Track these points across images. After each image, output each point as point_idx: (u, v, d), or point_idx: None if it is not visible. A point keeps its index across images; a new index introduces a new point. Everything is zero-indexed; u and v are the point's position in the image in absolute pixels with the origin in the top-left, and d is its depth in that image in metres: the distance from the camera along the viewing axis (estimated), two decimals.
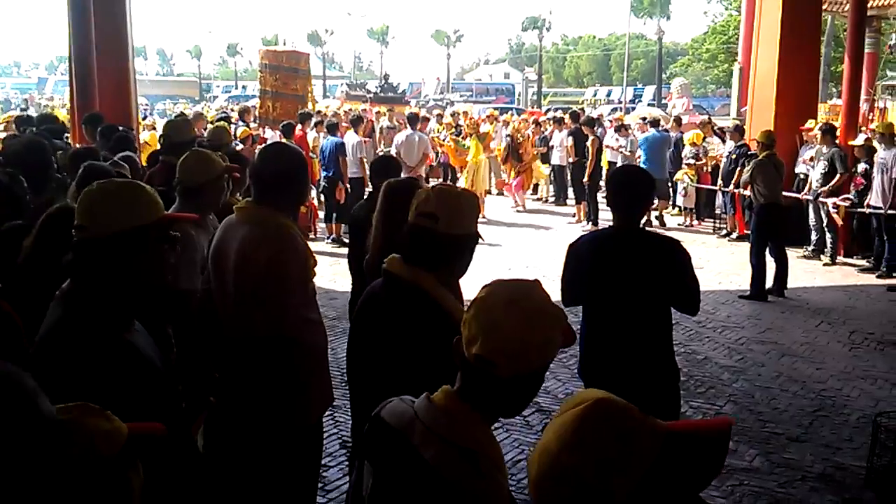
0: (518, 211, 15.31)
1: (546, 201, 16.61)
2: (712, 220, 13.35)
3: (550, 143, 15.44)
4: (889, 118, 12.16)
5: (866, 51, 13.89)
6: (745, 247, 9.78)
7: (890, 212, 9.71)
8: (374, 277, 2.77)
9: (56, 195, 4.22)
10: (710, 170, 13.28)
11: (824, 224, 10.76)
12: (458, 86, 54.94)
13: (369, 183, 6.55)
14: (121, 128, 7.84)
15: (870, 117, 12.75)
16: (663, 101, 34.26)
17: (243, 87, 55.99)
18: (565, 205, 15.69)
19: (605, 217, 12.10)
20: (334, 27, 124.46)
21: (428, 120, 16.72)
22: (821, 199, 10.59)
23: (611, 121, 17.61)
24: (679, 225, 13.58)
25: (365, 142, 12.38)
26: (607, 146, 14.16)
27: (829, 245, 10.74)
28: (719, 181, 12.46)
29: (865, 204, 10.13)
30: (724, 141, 13.44)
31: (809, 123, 11.59)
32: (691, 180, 13.25)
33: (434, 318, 2.42)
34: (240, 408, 3.12)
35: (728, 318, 8.16)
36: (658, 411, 1.41)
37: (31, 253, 2.87)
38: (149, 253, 2.23)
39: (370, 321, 2.67)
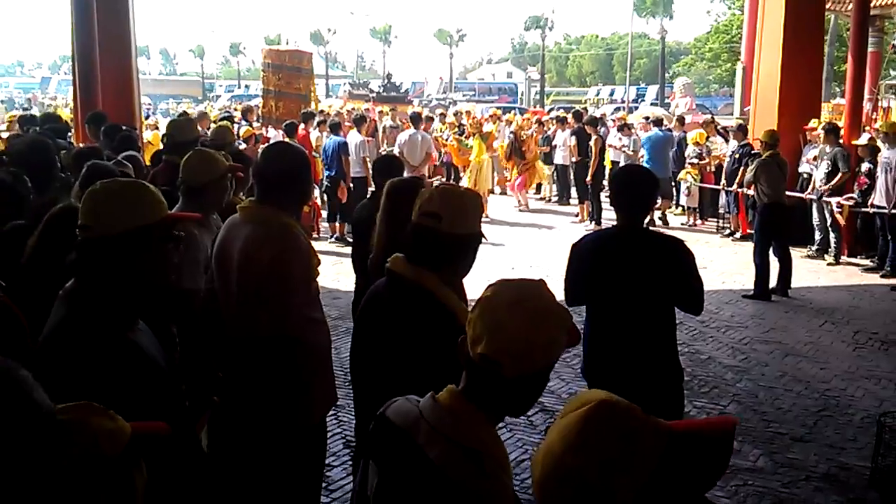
0: (521, 210, 15.30)
1: (549, 201, 16.61)
2: (716, 220, 13.34)
3: (553, 143, 15.42)
4: (892, 117, 12.12)
5: (869, 50, 13.87)
6: (749, 246, 9.78)
7: (894, 211, 9.70)
8: (378, 277, 2.77)
9: (60, 195, 4.22)
10: (713, 169, 13.27)
11: (828, 223, 10.74)
12: (460, 85, 54.91)
13: (372, 182, 6.55)
14: (124, 127, 7.84)
15: (873, 117, 12.71)
16: (666, 101, 34.18)
17: (246, 86, 56.00)
18: (568, 204, 15.68)
19: (609, 217, 12.08)
20: (337, 26, 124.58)
21: (432, 120, 16.72)
22: (824, 198, 10.58)
23: (614, 120, 17.58)
24: (682, 224, 13.57)
25: (368, 141, 12.38)
26: (610, 146, 14.16)
27: (832, 245, 10.73)
28: (722, 181, 12.45)
29: (869, 203, 10.12)
30: (727, 140, 13.42)
31: (813, 123, 11.57)
32: (694, 180, 13.24)
33: (437, 318, 2.42)
34: (243, 407, 3.12)
35: (732, 317, 8.15)
36: (661, 411, 1.41)
37: (34, 252, 2.87)
38: (153, 252, 2.23)
39: (373, 321, 2.67)
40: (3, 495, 1.24)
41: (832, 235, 10.71)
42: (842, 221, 10.48)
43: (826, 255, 10.79)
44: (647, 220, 4.16)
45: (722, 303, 8.62)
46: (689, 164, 13.36)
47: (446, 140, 16.01)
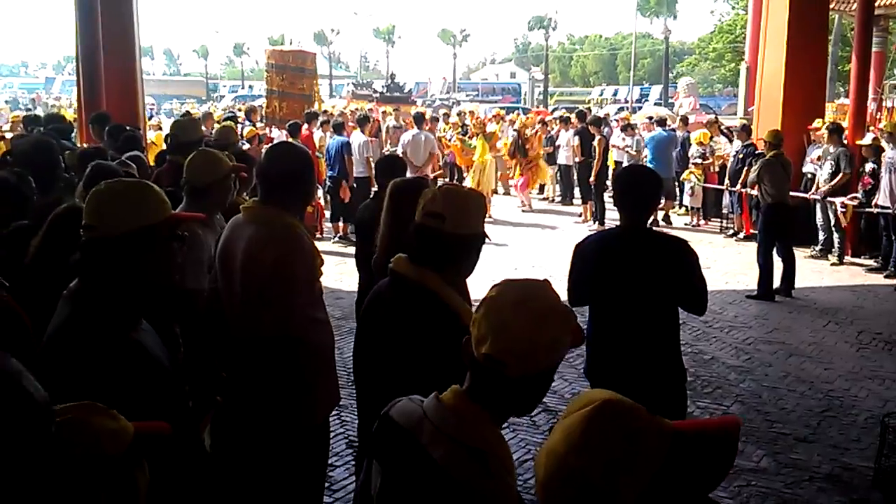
0: (524, 211, 15.30)
1: (552, 201, 16.60)
2: (719, 220, 13.32)
3: (557, 143, 15.42)
4: None
5: (874, 50, 13.83)
6: (753, 246, 9.76)
7: None
8: (382, 277, 2.77)
9: (64, 195, 4.23)
10: (716, 169, 13.25)
11: (832, 224, 10.73)
12: (464, 85, 54.89)
13: (375, 183, 6.55)
14: (128, 127, 7.86)
15: (877, 116, 12.67)
16: (670, 101, 34.15)
17: (250, 86, 56.05)
18: (572, 204, 15.68)
19: (612, 217, 12.07)
20: (340, 27, 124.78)
21: (437, 120, 16.70)
22: (828, 198, 10.56)
23: (617, 120, 17.57)
24: (686, 225, 13.56)
25: (371, 141, 12.39)
26: (614, 146, 14.15)
27: (836, 245, 10.71)
28: (726, 181, 12.44)
29: (873, 203, 10.10)
30: (730, 140, 13.41)
31: (817, 123, 11.55)
32: (698, 180, 13.22)
33: (440, 318, 2.42)
34: (246, 407, 3.12)
35: (735, 317, 8.14)
36: (664, 412, 1.40)
37: (38, 252, 2.88)
38: (156, 253, 2.24)
39: (376, 321, 2.67)
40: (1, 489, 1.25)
41: (836, 235, 10.69)
42: (843, 222, 10.46)
43: (830, 256, 10.77)
44: (650, 221, 4.16)
45: (725, 303, 8.61)
46: (693, 164, 13.35)
47: (450, 140, 16.01)
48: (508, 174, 16.35)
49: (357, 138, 12.06)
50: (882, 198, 9.93)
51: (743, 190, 11.54)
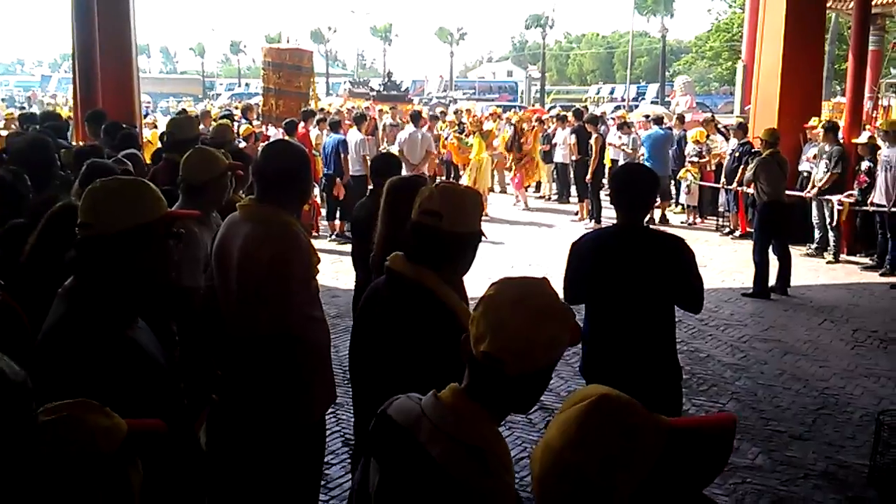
0: (522, 209, 15.30)
1: (549, 199, 16.61)
2: (715, 218, 13.33)
3: (553, 141, 15.42)
4: (893, 116, 12.09)
5: (870, 48, 13.85)
6: (748, 245, 9.78)
7: (893, 209, 9.70)
8: (379, 275, 2.77)
9: (60, 193, 4.22)
10: (713, 168, 13.27)
11: (827, 222, 10.75)
12: (461, 83, 54.83)
13: (371, 181, 6.55)
14: (124, 125, 7.85)
15: (874, 115, 12.69)
16: (666, 99, 34.18)
17: (246, 84, 55.96)
18: (568, 203, 15.68)
19: (609, 215, 12.09)
20: (337, 25, 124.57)
21: (437, 119, 16.67)
22: (825, 196, 10.59)
23: (614, 118, 17.59)
24: (682, 223, 13.57)
25: (368, 139, 12.38)
26: (610, 144, 14.16)
27: (832, 243, 10.73)
28: (722, 179, 12.46)
29: (869, 202, 10.12)
30: (727, 139, 13.42)
31: (813, 121, 11.56)
32: (694, 178, 13.23)
33: (437, 317, 2.42)
34: (243, 405, 3.12)
35: (731, 315, 8.15)
36: (660, 409, 1.41)
37: (34, 250, 2.88)
38: (152, 250, 2.24)
39: (373, 319, 2.67)
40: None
41: (831, 234, 10.71)
42: (839, 220, 10.48)
43: (825, 254, 10.80)
44: (647, 219, 4.16)
45: (721, 301, 8.62)
46: (689, 162, 13.36)
47: (446, 138, 16.01)
48: (504, 163, 16.29)
49: (353, 136, 12.05)
50: (878, 196, 9.95)
51: (739, 188, 11.56)
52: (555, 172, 16.22)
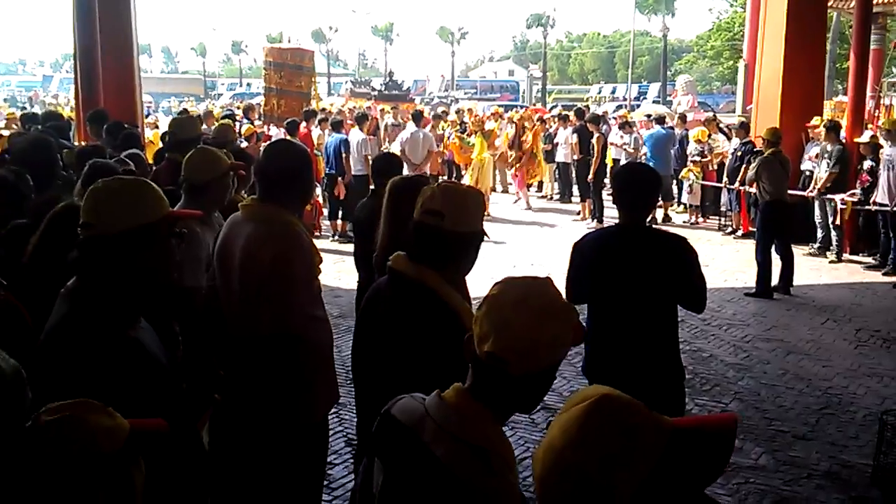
0: (523, 209, 15.29)
1: (551, 199, 16.60)
2: (717, 218, 13.32)
3: (555, 141, 15.42)
4: (895, 115, 12.09)
5: (872, 47, 13.82)
6: (751, 244, 9.77)
7: None
8: (382, 275, 2.77)
9: (62, 193, 4.23)
10: (715, 167, 13.26)
11: (830, 221, 10.74)
12: (462, 83, 54.84)
13: (372, 181, 6.55)
14: (126, 125, 7.85)
15: (876, 114, 12.67)
16: (668, 99, 34.19)
17: (248, 84, 56.02)
18: (570, 202, 15.67)
19: (611, 215, 12.09)
20: (339, 24, 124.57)
21: (439, 119, 16.66)
22: (827, 196, 10.58)
23: (615, 118, 17.58)
24: (684, 222, 13.56)
25: (369, 139, 12.39)
26: (612, 143, 14.16)
27: (834, 242, 10.72)
28: (724, 178, 12.45)
29: (871, 201, 10.11)
30: (729, 138, 13.42)
31: (815, 120, 11.55)
32: (696, 178, 13.23)
33: (439, 316, 2.42)
34: (245, 405, 3.12)
35: (734, 315, 8.14)
36: (663, 409, 1.40)
37: (36, 251, 2.88)
38: (154, 250, 2.24)
39: (375, 318, 2.67)
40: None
41: (834, 233, 10.70)
42: (842, 219, 10.47)
43: (828, 253, 10.78)
44: (649, 219, 4.16)
45: (724, 301, 8.61)
46: (691, 161, 13.35)
47: (448, 138, 16.01)
48: (506, 159, 16.30)
49: (355, 136, 12.06)
50: (880, 195, 9.94)
51: (741, 187, 11.54)
52: (556, 172, 16.21)
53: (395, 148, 12.80)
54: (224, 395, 3.26)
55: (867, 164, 10.40)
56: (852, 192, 10.37)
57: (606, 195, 13.01)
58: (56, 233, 2.81)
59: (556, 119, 15.99)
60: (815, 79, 12.21)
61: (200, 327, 3.41)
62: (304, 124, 12.48)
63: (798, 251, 9.76)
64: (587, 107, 19.05)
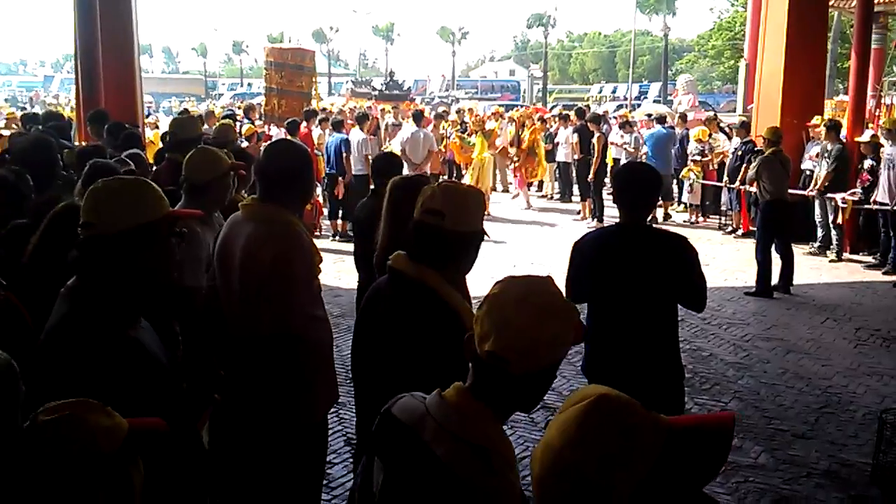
0: (524, 208, 15.29)
1: (551, 198, 16.60)
2: (718, 217, 13.32)
3: (556, 140, 15.42)
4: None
5: (873, 47, 13.81)
6: (751, 243, 9.77)
7: None
8: (383, 275, 2.77)
9: (62, 193, 4.23)
10: (715, 166, 13.26)
11: (830, 220, 10.74)
12: (463, 83, 54.85)
13: (372, 181, 6.56)
14: (127, 125, 7.86)
15: (876, 113, 12.66)
16: (669, 98, 34.18)
17: (249, 84, 56.04)
18: (570, 202, 15.67)
19: (611, 214, 12.09)
20: (339, 24, 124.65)
21: (441, 118, 16.66)
22: (827, 195, 10.57)
23: (616, 117, 17.58)
24: (685, 222, 13.56)
25: (370, 139, 12.39)
26: (612, 143, 14.16)
27: (834, 241, 10.72)
28: (725, 178, 12.45)
29: (872, 200, 10.11)
30: (729, 137, 13.42)
31: (816, 120, 11.55)
32: (697, 177, 13.23)
33: (439, 316, 2.42)
34: (245, 405, 3.12)
35: (733, 314, 8.15)
36: (663, 408, 1.41)
37: (37, 251, 2.88)
38: (155, 250, 2.24)
39: (375, 318, 2.67)
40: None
41: (834, 232, 10.70)
42: (842, 218, 10.46)
43: (828, 252, 10.78)
44: (650, 218, 4.16)
45: (724, 300, 8.61)
46: (692, 161, 13.35)
47: (449, 138, 16.00)
48: (507, 156, 16.31)
49: (356, 136, 12.06)
50: (881, 194, 9.94)
51: (741, 187, 11.54)
52: (557, 171, 16.21)
53: (396, 147, 12.80)
54: (224, 394, 3.26)
55: (868, 163, 10.40)
56: (853, 191, 10.37)
57: (607, 194, 13.02)
58: (56, 233, 2.82)
59: (557, 119, 15.99)
60: (815, 78, 12.21)
61: (200, 327, 3.41)
62: (304, 124, 12.48)
63: (798, 250, 9.76)
64: (588, 106, 19.06)
